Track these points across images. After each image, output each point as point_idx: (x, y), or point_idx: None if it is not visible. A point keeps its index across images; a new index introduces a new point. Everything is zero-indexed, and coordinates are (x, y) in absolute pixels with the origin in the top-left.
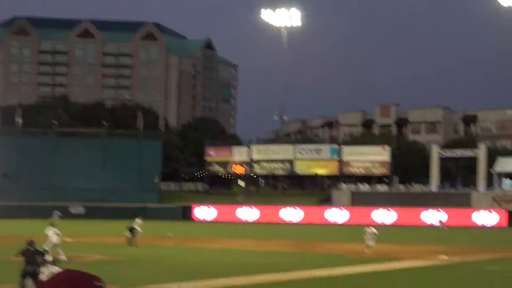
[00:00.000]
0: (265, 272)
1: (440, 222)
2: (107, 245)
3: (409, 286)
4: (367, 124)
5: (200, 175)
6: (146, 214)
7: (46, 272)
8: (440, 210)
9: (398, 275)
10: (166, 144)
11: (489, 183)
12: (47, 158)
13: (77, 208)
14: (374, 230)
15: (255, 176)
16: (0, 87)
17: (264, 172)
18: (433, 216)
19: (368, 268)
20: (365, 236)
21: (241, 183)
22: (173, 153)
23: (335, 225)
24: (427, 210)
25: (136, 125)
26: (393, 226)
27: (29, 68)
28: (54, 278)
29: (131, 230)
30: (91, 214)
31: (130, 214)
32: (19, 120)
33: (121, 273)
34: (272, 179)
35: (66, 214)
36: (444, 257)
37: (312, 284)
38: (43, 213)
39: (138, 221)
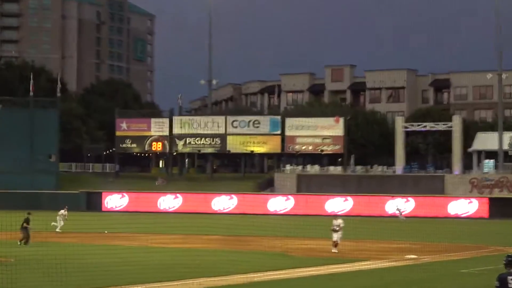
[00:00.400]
0: (190, 276)
1: (398, 210)
2: None
3: None
4: (316, 89)
5: (109, 154)
6: (40, 203)
7: None
8: (409, 199)
9: (354, 279)
10: (64, 114)
11: (467, 165)
12: None
13: None
14: (340, 221)
15: (176, 155)
16: None
17: (189, 150)
18: (395, 205)
19: (317, 271)
20: (333, 231)
21: (161, 163)
22: (74, 124)
23: (276, 216)
24: (393, 198)
25: (28, 90)
26: (348, 217)
27: None
28: None
29: (27, 223)
30: None
31: (20, 202)
32: None
33: (10, 279)
34: (199, 159)
35: None
36: (411, 257)
37: None
38: None
39: (63, 212)
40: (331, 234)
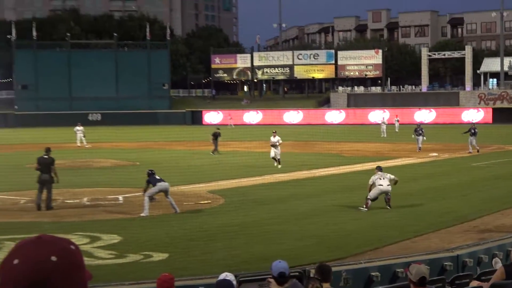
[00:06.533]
0: (272, 173)
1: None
2: (123, 150)
3: (399, 179)
4: (360, 29)
5: (207, 82)
6: (157, 120)
7: None
8: (432, 110)
9: (391, 171)
10: (173, 53)
11: (476, 83)
12: (62, 69)
13: (94, 115)
14: (278, 138)
15: (257, 81)
16: (12, 1)
17: (265, 77)
18: (422, 116)
19: (362, 167)
20: (272, 147)
21: (245, 88)
22: (180, 61)
23: (332, 125)
24: (420, 110)
25: (145, 36)
26: (387, 125)
27: None
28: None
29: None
30: (107, 120)
31: (142, 120)
32: (34, 34)
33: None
34: (273, 84)
35: (85, 121)
36: (434, 154)
37: (312, 182)
38: (62, 122)
39: (78, 128)
40: (270, 150)
